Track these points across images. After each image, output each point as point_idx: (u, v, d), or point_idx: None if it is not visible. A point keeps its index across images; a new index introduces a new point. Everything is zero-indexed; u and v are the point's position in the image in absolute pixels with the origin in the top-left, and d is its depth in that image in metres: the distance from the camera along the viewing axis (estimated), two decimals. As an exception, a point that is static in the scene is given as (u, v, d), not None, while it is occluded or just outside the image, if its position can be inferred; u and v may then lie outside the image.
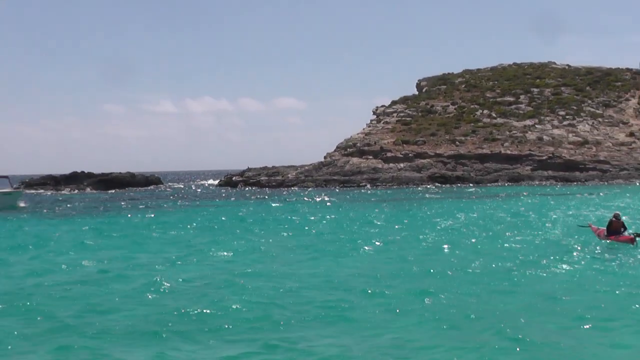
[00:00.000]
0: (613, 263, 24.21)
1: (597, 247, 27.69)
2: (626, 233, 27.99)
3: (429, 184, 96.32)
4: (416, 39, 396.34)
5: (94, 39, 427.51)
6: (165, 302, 18.08)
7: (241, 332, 15.14)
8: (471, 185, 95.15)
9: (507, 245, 29.12)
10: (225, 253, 28.16)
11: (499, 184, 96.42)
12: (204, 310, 16.90)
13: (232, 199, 77.54)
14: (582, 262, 24.21)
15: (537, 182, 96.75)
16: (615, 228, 28.17)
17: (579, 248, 27.44)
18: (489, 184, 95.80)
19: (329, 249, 29.24)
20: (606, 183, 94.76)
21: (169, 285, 20.37)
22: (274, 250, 29.17)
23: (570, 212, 46.66)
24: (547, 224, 38.43)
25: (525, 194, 73.85)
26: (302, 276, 22.14)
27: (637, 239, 27.16)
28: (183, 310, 16.85)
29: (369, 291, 19.21)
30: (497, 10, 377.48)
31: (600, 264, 24.04)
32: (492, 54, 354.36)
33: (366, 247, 29.36)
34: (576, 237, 31.16)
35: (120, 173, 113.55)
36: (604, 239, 28.44)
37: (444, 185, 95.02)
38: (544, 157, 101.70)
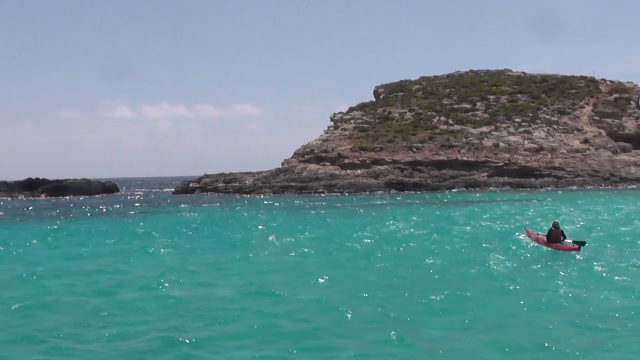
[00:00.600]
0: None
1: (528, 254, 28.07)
2: (567, 242, 28.51)
3: (385, 191, 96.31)
4: (374, 46, 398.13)
5: (49, 45, 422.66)
6: None
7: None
8: (411, 192, 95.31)
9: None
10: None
11: (456, 190, 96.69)
12: None
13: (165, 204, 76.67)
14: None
15: (493, 189, 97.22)
16: (555, 236, 28.69)
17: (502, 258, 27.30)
18: (445, 191, 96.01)
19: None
20: (560, 190, 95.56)
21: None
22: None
23: (510, 219, 46.75)
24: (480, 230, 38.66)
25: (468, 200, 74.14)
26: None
27: (582, 247, 27.67)
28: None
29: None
30: (454, 18, 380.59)
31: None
32: (449, 61, 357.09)
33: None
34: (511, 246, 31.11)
35: (75, 179, 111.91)
36: (545, 246, 28.94)
37: (401, 192, 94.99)
38: (500, 164, 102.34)
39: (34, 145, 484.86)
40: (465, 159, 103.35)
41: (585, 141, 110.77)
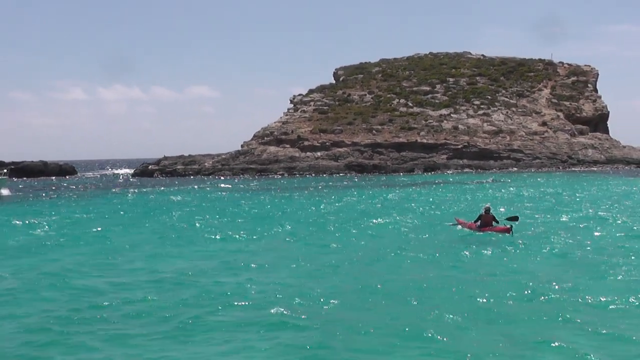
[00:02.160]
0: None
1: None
2: (500, 224, 28.65)
3: (345, 173, 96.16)
4: (333, 28, 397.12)
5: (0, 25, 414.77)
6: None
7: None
8: (366, 174, 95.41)
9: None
10: None
11: (415, 172, 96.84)
12: None
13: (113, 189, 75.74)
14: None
15: (453, 171, 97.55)
16: (486, 221, 28.78)
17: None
18: (405, 173, 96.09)
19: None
20: (519, 171, 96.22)
21: None
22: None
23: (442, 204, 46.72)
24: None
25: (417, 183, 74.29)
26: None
27: (513, 227, 27.84)
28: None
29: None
30: (414, 0, 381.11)
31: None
32: (409, 43, 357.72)
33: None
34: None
35: (32, 162, 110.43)
36: (477, 231, 28.80)
37: (360, 174, 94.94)
38: (459, 146, 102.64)
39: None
40: (424, 141, 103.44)
41: (544, 124, 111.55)
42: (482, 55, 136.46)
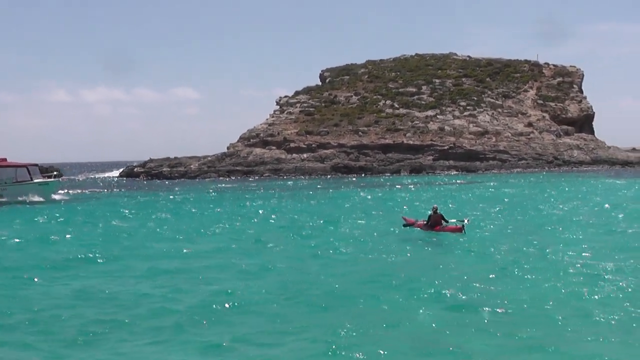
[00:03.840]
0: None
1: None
2: (451, 223, 29.32)
3: (332, 175, 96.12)
4: (319, 29, 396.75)
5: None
6: None
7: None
8: (353, 176, 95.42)
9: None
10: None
11: (402, 174, 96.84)
12: None
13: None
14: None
15: (439, 172, 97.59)
16: (435, 220, 29.41)
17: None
18: (391, 174, 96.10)
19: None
20: (505, 171, 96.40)
21: None
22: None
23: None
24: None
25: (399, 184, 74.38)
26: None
27: (465, 227, 28.46)
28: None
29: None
30: (400, 2, 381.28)
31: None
32: (395, 45, 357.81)
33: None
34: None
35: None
36: (426, 230, 29.46)
37: (347, 176, 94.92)
38: (445, 147, 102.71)
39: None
40: (410, 142, 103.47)
41: (529, 125, 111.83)
42: (468, 56, 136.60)
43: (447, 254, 24.51)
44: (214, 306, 16.31)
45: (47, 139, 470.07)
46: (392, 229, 31.75)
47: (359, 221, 35.85)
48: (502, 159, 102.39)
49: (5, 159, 60.48)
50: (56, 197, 60.08)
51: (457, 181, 78.37)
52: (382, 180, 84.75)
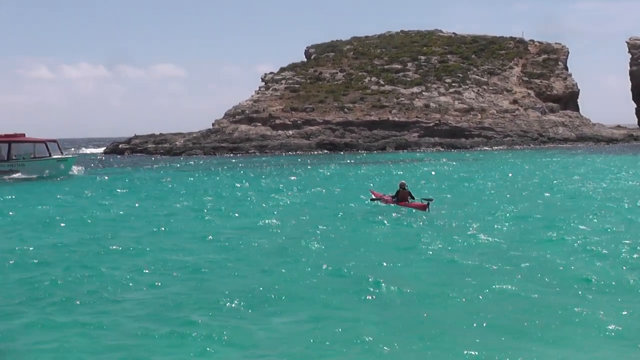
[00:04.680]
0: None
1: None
2: (416, 200, 29.85)
3: (317, 151, 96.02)
4: (304, 6, 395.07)
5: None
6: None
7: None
8: (342, 152, 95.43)
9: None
10: None
11: (387, 150, 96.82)
12: None
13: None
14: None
15: (424, 149, 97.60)
16: (403, 196, 30.09)
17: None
18: (376, 151, 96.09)
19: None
20: (491, 148, 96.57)
21: None
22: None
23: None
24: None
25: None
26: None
27: (429, 205, 28.74)
28: None
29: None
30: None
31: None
32: (380, 21, 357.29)
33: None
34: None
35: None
36: (393, 204, 30.11)
37: (331, 152, 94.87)
38: (430, 124, 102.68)
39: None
40: (396, 119, 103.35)
41: (514, 102, 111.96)
42: (454, 33, 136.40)
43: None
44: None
45: (30, 115, 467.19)
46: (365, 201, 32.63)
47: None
48: (487, 135, 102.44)
49: (23, 134, 59.77)
50: (74, 172, 59.44)
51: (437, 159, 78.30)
52: (365, 156, 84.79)
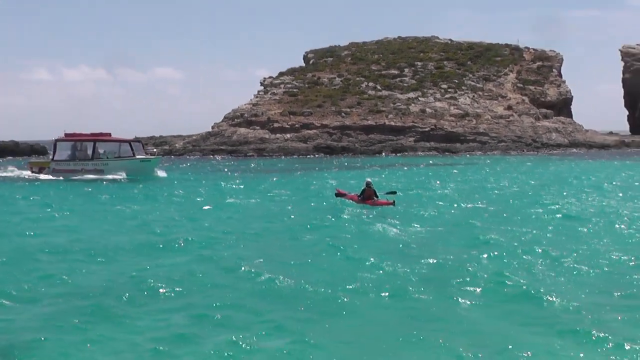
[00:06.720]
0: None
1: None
2: (382, 198, 31.67)
3: (314, 154, 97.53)
4: (303, 11, 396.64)
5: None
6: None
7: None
8: (326, 156, 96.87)
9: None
10: None
11: (383, 154, 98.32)
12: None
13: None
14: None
15: (420, 153, 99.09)
16: (368, 194, 31.59)
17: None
18: (373, 155, 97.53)
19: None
20: (486, 153, 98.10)
21: None
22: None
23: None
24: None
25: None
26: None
27: (395, 201, 30.95)
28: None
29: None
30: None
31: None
32: (378, 27, 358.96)
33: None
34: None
35: (3, 141, 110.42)
36: (360, 203, 31.62)
37: (328, 156, 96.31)
38: (426, 129, 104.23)
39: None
40: (392, 124, 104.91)
41: (509, 107, 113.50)
42: (450, 39, 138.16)
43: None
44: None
45: (30, 118, 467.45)
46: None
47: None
48: (482, 140, 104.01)
49: (109, 134, 59.59)
50: (159, 173, 57.23)
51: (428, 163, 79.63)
52: (352, 160, 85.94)
